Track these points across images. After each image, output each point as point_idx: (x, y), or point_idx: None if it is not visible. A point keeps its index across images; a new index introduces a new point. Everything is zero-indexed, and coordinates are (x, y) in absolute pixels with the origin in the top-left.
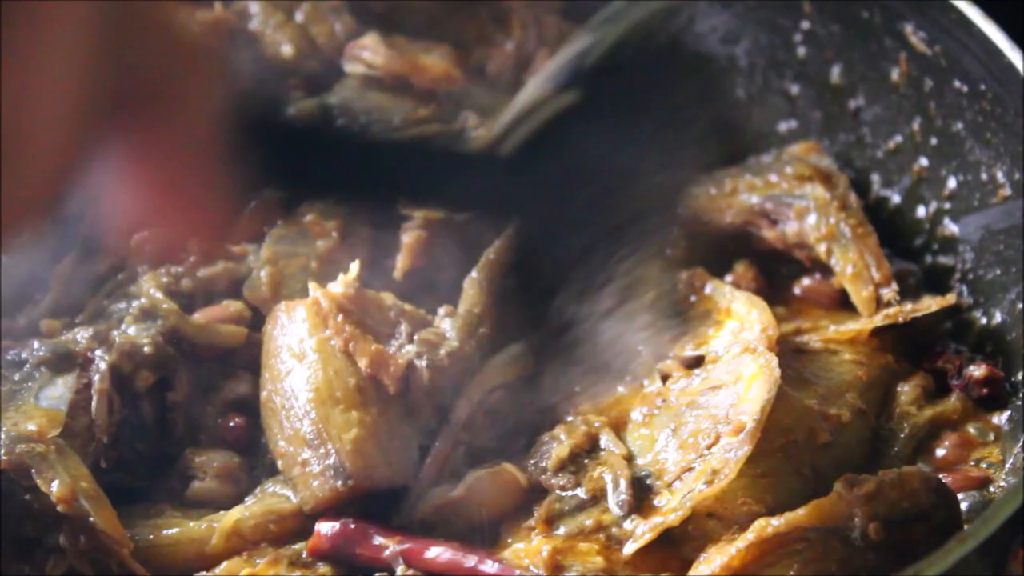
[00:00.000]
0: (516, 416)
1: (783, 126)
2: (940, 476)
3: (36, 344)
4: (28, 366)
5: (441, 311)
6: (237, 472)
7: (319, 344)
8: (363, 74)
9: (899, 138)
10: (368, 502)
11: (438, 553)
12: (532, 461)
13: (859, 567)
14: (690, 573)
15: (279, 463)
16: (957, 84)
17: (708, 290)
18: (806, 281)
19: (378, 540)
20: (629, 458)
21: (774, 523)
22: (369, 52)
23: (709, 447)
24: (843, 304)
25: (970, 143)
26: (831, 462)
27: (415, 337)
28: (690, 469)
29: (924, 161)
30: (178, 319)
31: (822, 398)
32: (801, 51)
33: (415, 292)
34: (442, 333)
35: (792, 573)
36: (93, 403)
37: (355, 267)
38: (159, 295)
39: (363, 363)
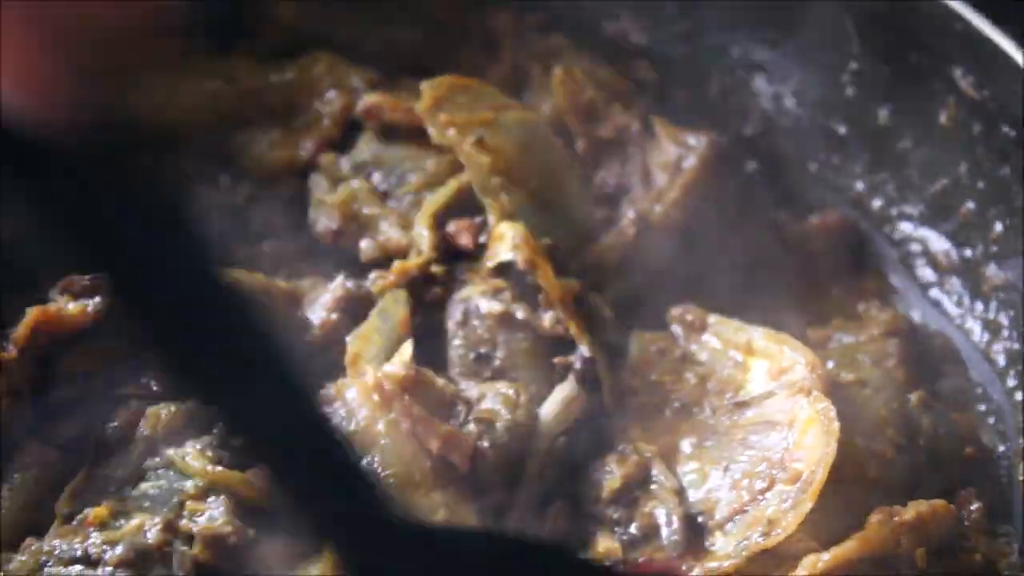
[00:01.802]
0: (581, 453)
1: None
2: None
3: (97, 539)
4: (105, 566)
5: (479, 389)
6: None
7: (388, 427)
8: (378, 127)
9: (946, 181)
10: None
11: None
12: (584, 491)
13: None
14: None
15: None
16: (1005, 129)
17: (713, 325)
18: None
19: None
20: (680, 492)
21: (824, 558)
22: (385, 108)
23: (763, 492)
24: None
25: (1016, 188)
26: (879, 497)
27: (471, 417)
28: (743, 511)
29: (971, 204)
30: (242, 485)
31: (865, 434)
32: (849, 91)
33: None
34: (494, 409)
35: None
36: None
37: (408, 347)
38: (217, 469)
39: (434, 444)
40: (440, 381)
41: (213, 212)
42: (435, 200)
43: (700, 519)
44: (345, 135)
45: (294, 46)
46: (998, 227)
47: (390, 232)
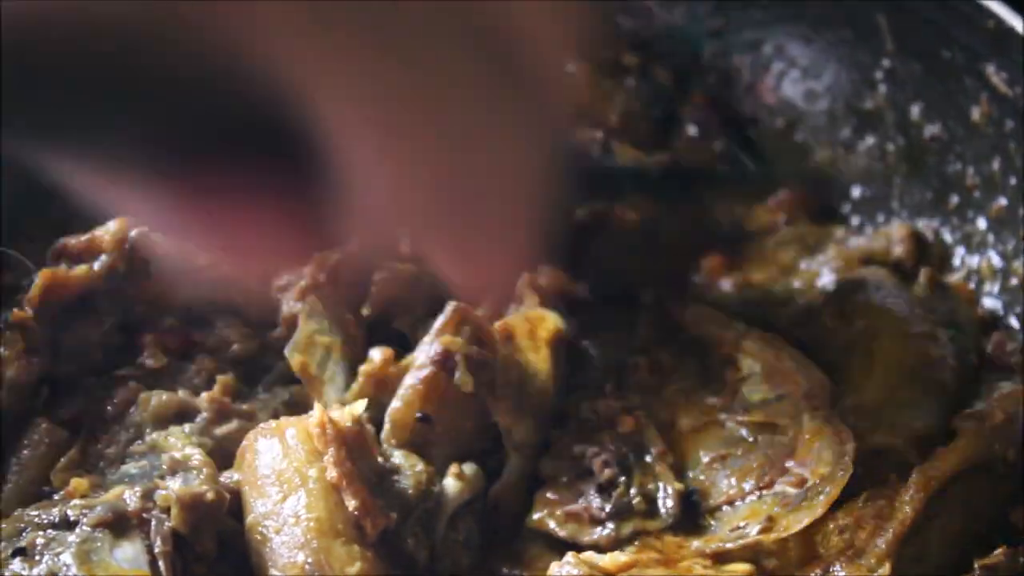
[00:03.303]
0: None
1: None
2: None
3: (78, 503)
4: (83, 527)
5: (452, 470)
6: None
7: (319, 473)
8: None
9: (977, 178)
10: None
11: None
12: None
13: (1003, 499)
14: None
15: None
16: None
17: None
18: None
19: None
20: (676, 468)
21: (931, 472)
22: None
23: (762, 488)
24: None
25: None
26: (950, 374)
27: (412, 497)
28: (739, 501)
29: (1003, 201)
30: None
31: (909, 322)
32: (882, 89)
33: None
34: (406, 487)
35: (950, 519)
36: (160, 566)
37: (362, 405)
38: (197, 454)
39: (351, 505)
40: (384, 447)
41: None
42: None
43: (694, 498)
44: None
45: None
46: None
47: None
